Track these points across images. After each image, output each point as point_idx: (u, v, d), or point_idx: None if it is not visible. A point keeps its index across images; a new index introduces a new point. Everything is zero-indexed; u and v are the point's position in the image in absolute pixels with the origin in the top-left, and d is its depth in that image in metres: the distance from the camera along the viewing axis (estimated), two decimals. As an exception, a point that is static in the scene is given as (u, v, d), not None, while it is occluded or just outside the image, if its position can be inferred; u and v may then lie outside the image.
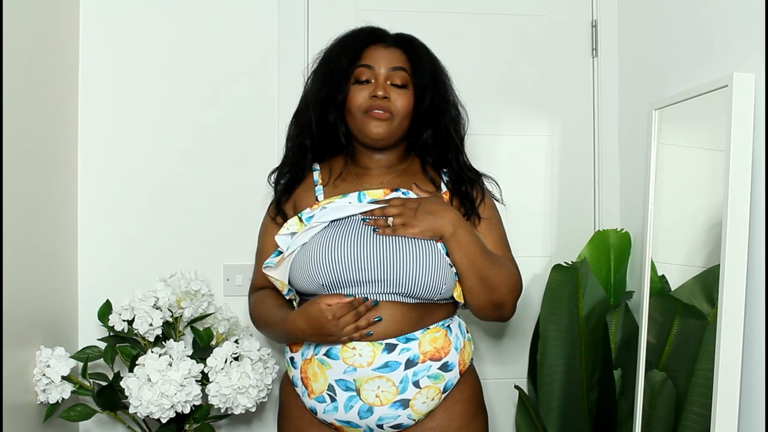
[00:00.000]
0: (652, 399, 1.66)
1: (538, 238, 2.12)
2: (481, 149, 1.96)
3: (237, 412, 1.65)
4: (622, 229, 1.98)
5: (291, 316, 1.43)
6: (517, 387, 1.96)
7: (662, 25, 1.87)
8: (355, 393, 1.42)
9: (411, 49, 1.56)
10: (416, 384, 1.42)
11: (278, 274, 1.50)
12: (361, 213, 1.48)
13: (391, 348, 1.41)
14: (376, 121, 1.50)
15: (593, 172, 2.14)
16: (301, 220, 1.50)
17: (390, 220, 1.44)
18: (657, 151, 1.75)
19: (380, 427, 1.44)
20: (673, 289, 1.65)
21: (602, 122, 2.13)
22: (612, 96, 2.12)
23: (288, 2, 2.04)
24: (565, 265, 1.82)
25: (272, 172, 1.64)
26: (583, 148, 2.14)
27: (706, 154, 1.61)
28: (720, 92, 1.49)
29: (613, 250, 1.96)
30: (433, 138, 1.57)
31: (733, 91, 1.44)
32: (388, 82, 1.52)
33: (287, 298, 1.55)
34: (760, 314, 1.41)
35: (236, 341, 1.70)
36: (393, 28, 1.61)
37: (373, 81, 1.52)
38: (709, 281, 1.49)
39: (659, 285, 1.70)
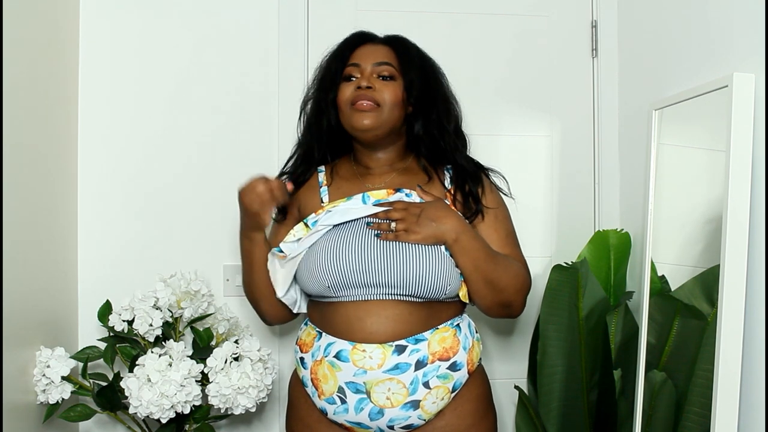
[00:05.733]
0: (652, 399, 1.66)
1: (538, 239, 2.12)
2: (481, 149, 1.95)
3: (237, 412, 1.65)
4: (622, 229, 1.98)
5: None
6: (517, 387, 1.95)
7: (662, 25, 1.87)
8: (365, 395, 1.42)
9: (398, 45, 1.58)
10: (426, 384, 1.42)
11: (282, 276, 1.51)
12: (365, 216, 1.48)
13: (401, 350, 1.41)
14: (361, 113, 1.51)
15: (593, 172, 2.14)
16: (306, 225, 1.50)
17: (393, 225, 1.45)
18: (657, 151, 1.75)
19: (391, 428, 1.45)
20: (673, 289, 1.65)
21: (602, 122, 2.13)
22: (612, 96, 2.12)
23: (288, 2, 2.04)
24: (565, 265, 1.82)
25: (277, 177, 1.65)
26: (583, 148, 2.14)
27: (706, 154, 1.61)
28: (720, 92, 1.49)
29: (613, 250, 1.96)
30: (424, 130, 1.57)
31: (733, 92, 1.44)
32: (375, 75, 1.53)
33: (280, 297, 1.54)
34: (760, 314, 1.41)
35: (236, 341, 1.70)
36: (392, 28, 1.62)
37: (359, 76, 1.54)
38: (709, 281, 1.49)
39: (659, 285, 1.70)
